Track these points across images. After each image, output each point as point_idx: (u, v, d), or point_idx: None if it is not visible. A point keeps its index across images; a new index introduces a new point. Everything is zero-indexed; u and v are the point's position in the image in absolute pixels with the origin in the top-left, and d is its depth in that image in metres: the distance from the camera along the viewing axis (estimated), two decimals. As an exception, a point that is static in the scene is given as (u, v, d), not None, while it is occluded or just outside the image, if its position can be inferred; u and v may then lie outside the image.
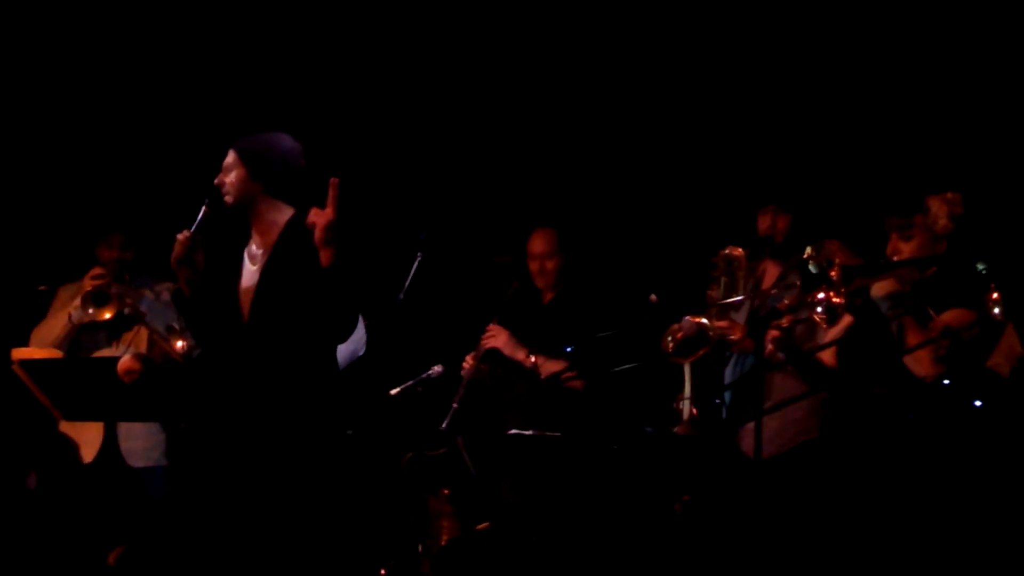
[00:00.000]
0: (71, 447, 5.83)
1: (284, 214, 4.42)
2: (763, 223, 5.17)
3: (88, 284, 5.75)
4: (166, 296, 5.84)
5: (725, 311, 5.01)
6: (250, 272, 4.42)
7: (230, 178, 4.38)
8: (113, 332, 5.88)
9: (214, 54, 6.76)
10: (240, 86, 6.75)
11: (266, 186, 4.40)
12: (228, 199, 4.37)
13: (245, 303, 4.38)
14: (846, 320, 4.57)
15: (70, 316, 5.76)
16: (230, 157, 4.41)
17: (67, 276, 5.93)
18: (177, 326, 5.29)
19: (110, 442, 5.75)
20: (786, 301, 4.59)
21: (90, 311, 5.68)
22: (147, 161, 6.77)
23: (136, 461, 5.76)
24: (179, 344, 5.27)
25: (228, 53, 6.75)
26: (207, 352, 4.55)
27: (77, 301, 5.75)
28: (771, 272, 5.13)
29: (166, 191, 6.45)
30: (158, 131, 6.80)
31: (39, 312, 5.92)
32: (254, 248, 4.45)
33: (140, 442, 5.77)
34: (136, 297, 5.77)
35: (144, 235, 5.95)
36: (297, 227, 4.32)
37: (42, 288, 5.86)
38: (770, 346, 4.76)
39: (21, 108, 6.74)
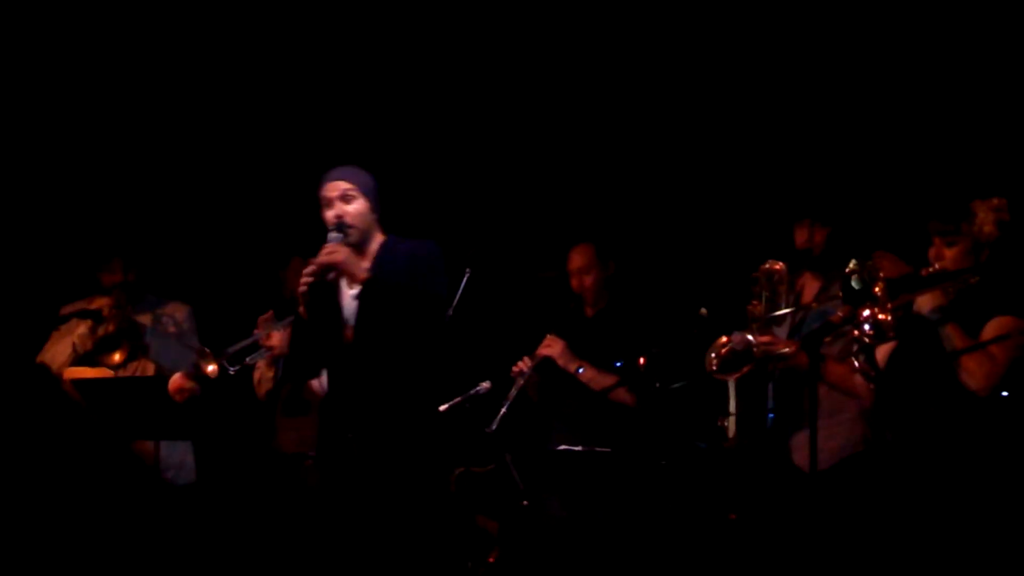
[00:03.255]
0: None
1: (378, 239, 4.62)
2: (800, 236, 5.15)
3: (101, 311, 5.77)
4: (169, 322, 5.88)
5: (768, 326, 4.99)
6: (348, 296, 4.56)
7: (352, 209, 4.53)
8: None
9: (242, 77, 6.81)
10: (267, 108, 6.80)
11: (378, 215, 4.61)
12: (354, 232, 4.53)
13: (348, 327, 4.54)
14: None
15: (74, 345, 5.80)
16: (345, 189, 4.54)
17: (69, 297, 5.97)
18: (208, 350, 5.32)
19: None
20: (839, 313, 4.54)
21: (104, 356, 5.73)
22: (149, 181, 6.81)
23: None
24: (210, 368, 5.30)
25: (261, 76, 6.81)
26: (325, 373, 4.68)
27: (82, 329, 5.76)
28: (810, 286, 5.11)
29: (168, 210, 6.52)
30: (159, 150, 6.84)
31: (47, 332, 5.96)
32: None
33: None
34: (138, 329, 5.78)
35: (147, 254, 6.01)
36: (389, 250, 4.55)
37: (63, 313, 5.89)
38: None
39: (29, 127, 6.77)
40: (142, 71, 6.76)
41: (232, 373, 5.31)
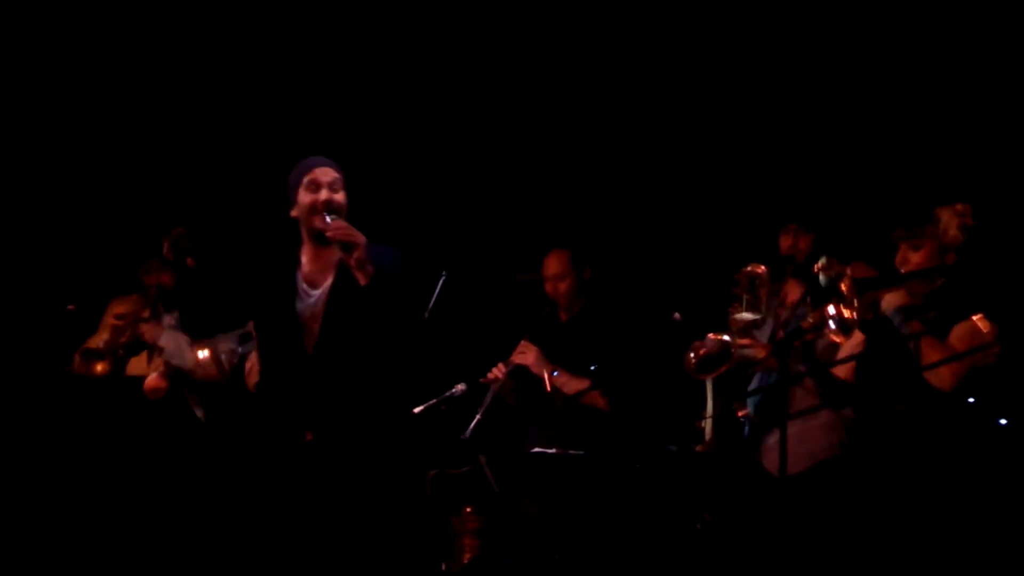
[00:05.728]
0: None
1: None
2: (785, 242, 5.20)
3: (109, 322, 5.79)
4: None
5: (748, 329, 5.02)
6: (312, 295, 4.46)
7: (341, 199, 4.42)
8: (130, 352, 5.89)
9: (247, 79, 6.82)
10: (270, 111, 6.81)
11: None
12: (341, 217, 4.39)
13: (312, 327, 4.42)
14: (859, 336, 4.57)
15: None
16: (336, 177, 4.44)
17: (115, 291, 5.97)
18: (203, 338, 5.32)
19: None
20: (810, 319, 4.58)
21: (88, 365, 5.74)
22: (191, 180, 6.82)
23: None
24: (202, 354, 5.30)
25: (260, 78, 6.82)
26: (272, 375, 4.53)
27: (104, 334, 5.77)
28: (794, 291, 5.14)
29: (210, 211, 6.53)
30: (199, 150, 6.85)
31: (81, 329, 5.96)
32: (308, 270, 4.48)
33: None
34: (155, 333, 5.78)
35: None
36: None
37: (71, 308, 5.88)
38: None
39: (73, 129, 6.81)
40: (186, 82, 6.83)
41: (223, 361, 5.30)
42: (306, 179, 4.43)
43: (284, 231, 4.53)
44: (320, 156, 4.51)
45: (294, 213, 4.47)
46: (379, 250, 4.43)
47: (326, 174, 4.42)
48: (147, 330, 5.68)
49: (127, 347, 5.72)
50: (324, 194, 4.38)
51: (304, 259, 4.49)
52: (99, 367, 5.71)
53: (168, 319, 5.82)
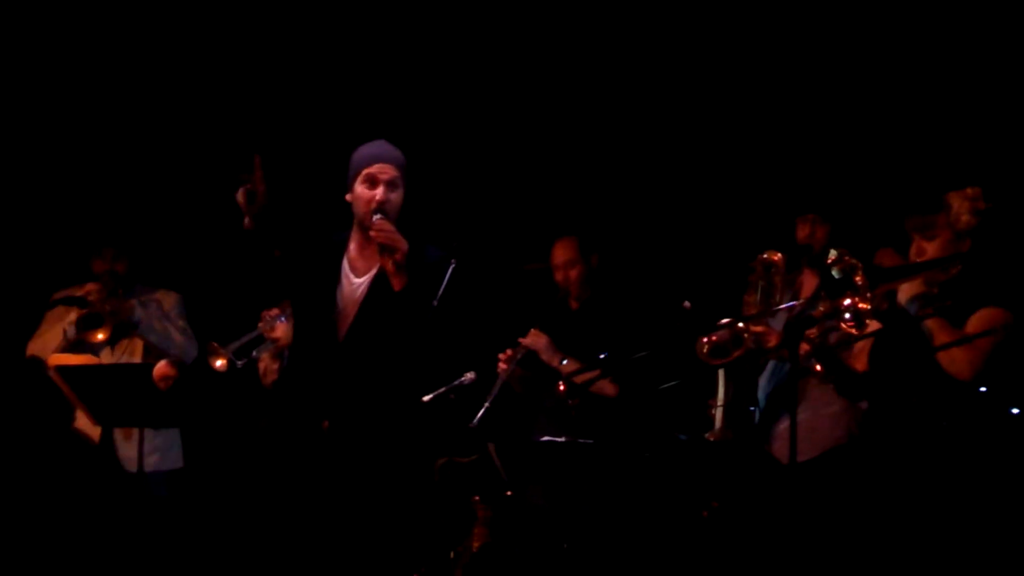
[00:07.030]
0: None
1: None
2: (802, 231, 5.19)
3: (87, 296, 5.79)
4: (155, 305, 5.91)
5: (762, 316, 5.01)
6: (354, 282, 4.46)
7: (395, 199, 4.38)
8: (110, 340, 5.92)
9: (219, 68, 6.80)
10: (258, 98, 6.80)
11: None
12: (390, 219, 4.35)
13: (348, 313, 4.42)
14: (874, 325, 4.56)
15: (65, 332, 5.80)
16: (394, 176, 4.39)
17: (60, 285, 5.99)
18: (217, 345, 5.35)
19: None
20: (820, 308, 4.57)
21: (87, 333, 5.74)
22: (141, 172, 6.80)
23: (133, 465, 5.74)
24: (219, 363, 5.33)
25: (250, 67, 6.81)
26: (305, 357, 4.52)
27: (72, 316, 5.77)
28: (809, 281, 5.15)
29: (161, 202, 6.53)
30: (153, 142, 6.83)
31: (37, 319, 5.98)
32: (354, 256, 4.48)
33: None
34: (127, 309, 5.81)
35: (137, 245, 6.02)
36: (420, 256, 4.40)
37: (54, 299, 5.90)
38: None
39: (17, 118, 6.77)
40: (135, 63, 6.76)
41: (240, 367, 5.33)
42: (365, 171, 4.39)
43: (338, 210, 4.52)
44: (386, 146, 4.46)
45: (348, 198, 4.46)
46: (431, 252, 4.45)
47: (385, 172, 4.38)
48: (123, 305, 5.74)
49: (90, 319, 5.77)
50: (379, 193, 4.36)
51: (352, 244, 4.49)
52: (100, 334, 5.74)
53: (131, 301, 5.86)
